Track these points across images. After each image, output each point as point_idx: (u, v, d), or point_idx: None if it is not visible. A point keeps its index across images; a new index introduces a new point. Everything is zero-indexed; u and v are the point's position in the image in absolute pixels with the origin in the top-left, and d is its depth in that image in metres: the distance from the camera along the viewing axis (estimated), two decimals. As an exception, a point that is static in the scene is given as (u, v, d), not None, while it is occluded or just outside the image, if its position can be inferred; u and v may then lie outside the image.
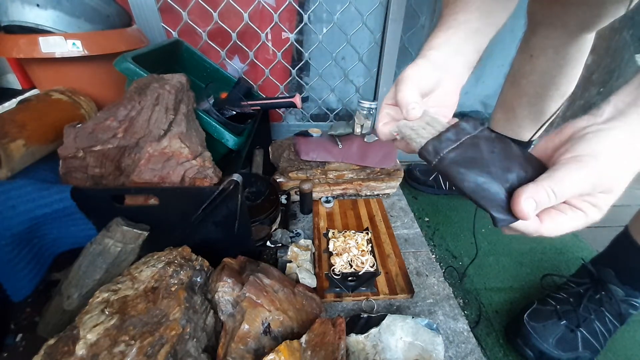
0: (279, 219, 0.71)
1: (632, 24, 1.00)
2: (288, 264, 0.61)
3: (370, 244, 0.69)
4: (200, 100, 0.63)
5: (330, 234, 0.72)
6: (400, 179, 0.87)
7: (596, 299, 0.55)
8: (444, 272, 0.68)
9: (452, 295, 0.62)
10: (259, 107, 0.75)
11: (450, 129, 0.30)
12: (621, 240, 0.56)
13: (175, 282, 0.44)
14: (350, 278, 0.61)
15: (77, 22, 0.59)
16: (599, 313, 0.54)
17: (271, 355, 0.38)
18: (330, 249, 0.68)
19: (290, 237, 0.70)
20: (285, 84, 1.02)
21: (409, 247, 0.73)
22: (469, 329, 0.56)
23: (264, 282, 0.48)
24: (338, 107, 1.11)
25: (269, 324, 0.44)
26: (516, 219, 0.27)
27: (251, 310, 0.44)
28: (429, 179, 0.95)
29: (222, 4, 0.85)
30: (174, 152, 0.48)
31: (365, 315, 0.52)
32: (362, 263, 0.64)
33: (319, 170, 0.82)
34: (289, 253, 0.64)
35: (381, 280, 0.62)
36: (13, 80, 0.81)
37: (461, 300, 0.63)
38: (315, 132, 0.91)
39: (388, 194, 0.90)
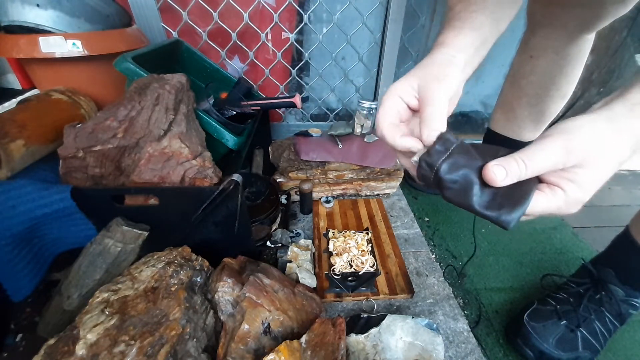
0: (279, 219, 0.71)
1: (632, 24, 1.00)
2: (288, 264, 0.61)
3: (370, 244, 0.69)
4: (200, 100, 0.63)
5: (330, 234, 0.72)
6: (400, 179, 0.87)
7: (596, 299, 0.55)
8: (444, 272, 0.68)
9: (452, 295, 0.62)
10: (259, 107, 0.75)
11: (436, 142, 0.29)
12: (621, 240, 0.56)
13: (175, 282, 0.44)
14: (350, 278, 0.61)
15: (77, 22, 0.59)
16: (599, 313, 0.54)
17: (271, 355, 0.38)
18: (330, 249, 0.68)
19: (290, 237, 0.70)
20: (285, 84, 1.02)
21: (409, 247, 0.73)
22: (469, 329, 0.56)
23: (264, 282, 0.48)
24: (338, 107, 1.11)
25: (269, 324, 0.44)
26: (520, 212, 0.28)
27: (251, 310, 0.44)
28: (429, 179, 0.95)
29: (222, 4, 0.85)
30: (174, 152, 0.48)
31: (365, 315, 0.52)
32: (362, 263, 0.64)
33: (319, 170, 0.82)
34: (289, 253, 0.64)
35: (381, 280, 0.62)
36: (13, 80, 0.81)
37: (461, 300, 0.63)
38: (315, 132, 0.91)
39: (388, 194, 0.90)
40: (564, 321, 0.53)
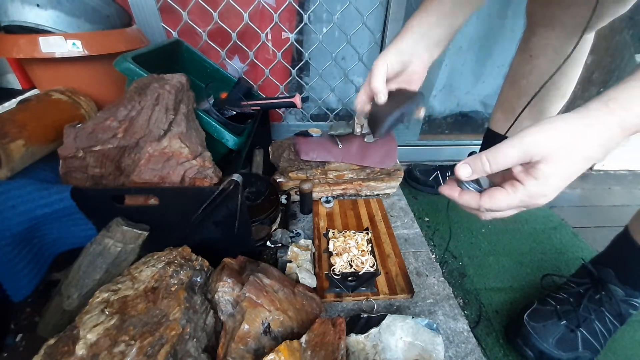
0: (279, 219, 0.71)
1: (632, 24, 1.00)
2: (288, 264, 0.61)
3: (370, 244, 0.69)
4: (200, 100, 0.63)
5: (330, 234, 0.72)
6: (400, 179, 0.87)
7: (596, 299, 0.55)
8: (444, 272, 0.68)
9: (452, 295, 0.62)
10: (259, 107, 0.75)
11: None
12: (621, 240, 0.56)
13: (175, 282, 0.44)
14: (350, 278, 0.61)
15: (77, 22, 0.59)
16: (599, 313, 0.54)
17: (271, 355, 0.38)
18: (330, 249, 0.68)
19: (290, 237, 0.70)
20: (285, 84, 1.02)
21: (409, 247, 0.73)
22: (469, 329, 0.56)
23: (264, 282, 0.48)
24: (338, 107, 1.11)
25: (269, 324, 0.44)
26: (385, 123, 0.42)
27: (251, 310, 0.44)
28: (429, 179, 0.95)
29: (222, 4, 0.85)
30: (174, 152, 0.48)
31: (365, 315, 0.52)
32: (362, 263, 0.64)
33: (319, 170, 0.82)
34: (289, 253, 0.64)
35: (381, 280, 0.62)
36: (13, 80, 0.81)
37: (461, 300, 0.63)
38: (315, 132, 0.91)
39: (388, 194, 0.90)
40: (564, 321, 0.53)
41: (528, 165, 0.30)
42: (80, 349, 0.35)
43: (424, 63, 0.48)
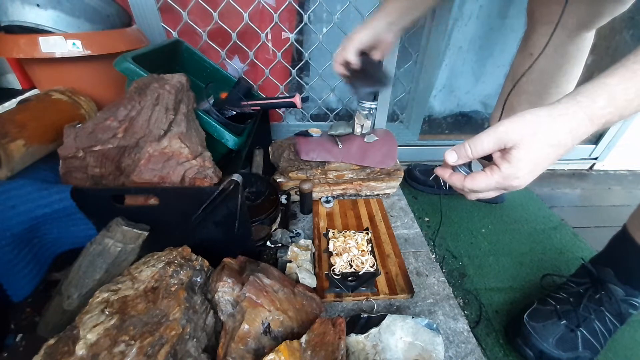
0: (279, 219, 0.71)
1: (632, 24, 1.00)
2: (288, 264, 0.61)
3: (370, 244, 0.69)
4: (200, 100, 0.63)
5: (330, 234, 0.72)
6: (400, 179, 0.87)
7: (596, 299, 0.55)
8: (444, 272, 0.68)
9: (452, 295, 0.62)
10: (259, 107, 0.75)
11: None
12: (620, 239, 0.56)
13: (175, 282, 0.44)
14: (350, 278, 0.61)
15: (77, 22, 0.59)
16: (599, 313, 0.54)
17: (271, 355, 0.38)
18: (330, 249, 0.68)
19: (290, 237, 0.70)
20: (285, 84, 1.02)
21: (409, 247, 0.73)
22: (469, 329, 0.56)
23: (264, 282, 0.48)
24: (338, 107, 1.11)
25: (269, 324, 0.44)
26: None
27: (251, 310, 0.44)
28: (429, 179, 0.95)
29: (222, 4, 0.85)
30: (174, 152, 0.48)
31: (365, 315, 0.52)
32: (362, 263, 0.64)
33: (319, 170, 0.82)
34: (289, 253, 0.64)
35: (381, 280, 0.62)
36: (13, 80, 0.81)
37: (461, 300, 0.63)
38: (315, 132, 0.91)
39: (388, 194, 0.90)
40: (564, 321, 0.53)
41: (504, 152, 0.35)
42: (80, 349, 0.35)
43: (390, 44, 0.63)
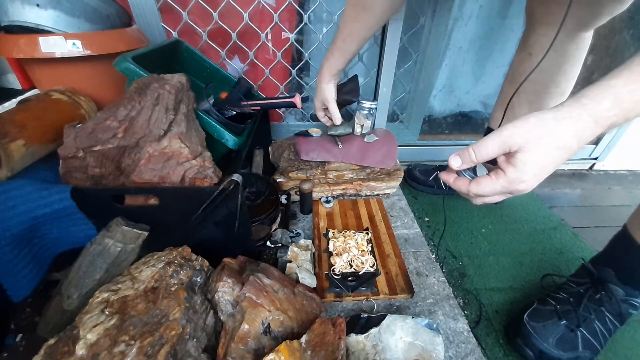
0: (279, 219, 0.71)
1: (632, 24, 1.00)
2: (288, 264, 0.61)
3: (370, 244, 0.69)
4: (200, 100, 0.63)
5: (330, 234, 0.72)
6: (400, 179, 0.87)
7: (596, 299, 0.55)
8: (444, 272, 0.68)
9: (452, 295, 0.62)
10: (259, 107, 0.75)
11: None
12: (620, 239, 0.56)
13: (175, 282, 0.44)
14: (350, 278, 0.61)
15: (77, 22, 0.59)
16: (599, 313, 0.54)
17: (271, 355, 0.38)
18: (330, 249, 0.68)
19: (290, 237, 0.70)
20: (285, 84, 1.02)
21: (409, 247, 0.73)
22: (469, 329, 0.56)
23: (264, 282, 0.48)
24: (338, 107, 1.11)
25: (269, 324, 0.44)
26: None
27: (251, 310, 0.44)
28: (429, 179, 0.95)
29: (222, 4, 0.85)
30: (174, 152, 0.48)
31: (365, 315, 0.52)
32: (362, 263, 0.64)
33: (319, 170, 0.82)
34: (289, 253, 0.64)
35: (381, 280, 0.62)
36: (13, 80, 0.81)
37: (461, 300, 0.63)
38: (315, 132, 0.91)
39: (388, 194, 0.90)
40: (564, 321, 0.53)
41: (508, 155, 0.35)
42: (80, 349, 0.35)
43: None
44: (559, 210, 0.93)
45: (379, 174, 0.85)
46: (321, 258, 0.66)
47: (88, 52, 0.59)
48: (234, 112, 0.71)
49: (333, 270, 0.63)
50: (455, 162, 0.38)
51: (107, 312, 0.39)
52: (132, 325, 0.38)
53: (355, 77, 0.81)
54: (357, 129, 0.90)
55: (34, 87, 0.78)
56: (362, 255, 0.66)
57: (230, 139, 0.61)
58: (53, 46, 0.57)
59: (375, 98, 1.05)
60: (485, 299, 0.64)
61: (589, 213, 0.94)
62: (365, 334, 0.49)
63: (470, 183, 0.37)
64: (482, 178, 0.36)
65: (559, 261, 0.74)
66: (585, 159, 1.19)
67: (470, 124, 1.24)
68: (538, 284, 0.66)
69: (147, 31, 0.81)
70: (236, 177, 0.49)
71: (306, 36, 0.99)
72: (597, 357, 0.53)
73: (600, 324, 0.53)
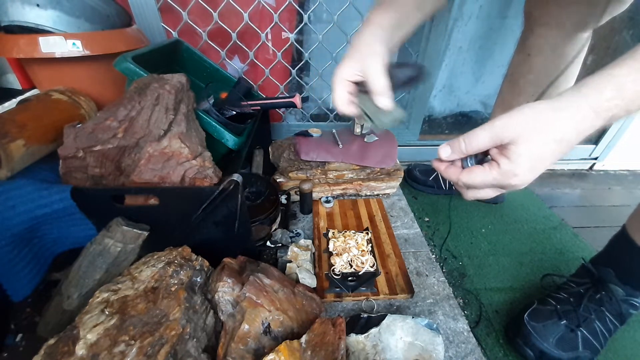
0: (279, 219, 0.71)
1: (632, 24, 1.00)
2: (288, 264, 0.61)
3: (370, 244, 0.69)
4: (200, 100, 0.63)
5: (330, 234, 0.72)
6: (400, 179, 0.87)
7: (596, 299, 0.55)
8: (444, 272, 0.68)
9: (452, 295, 0.62)
10: (259, 107, 0.75)
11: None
12: (619, 239, 0.56)
13: (175, 282, 0.44)
14: (350, 278, 0.61)
15: (77, 22, 0.59)
16: (599, 313, 0.54)
17: (271, 355, 0.38)
18: (330, 249, 0.68)
19: (290, 237, 0.70)
20: (285, 84, 1.02)
21: (409, 247, 0.73)
22: (469, 329, 0.56)
23: (264, 282, 0.48)
24: (338, 107, 1.11)
25: (269, 324, 0.44)
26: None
27: (251, 310, 0.44)
28: (429, 179, 0.95)
29: (222, 4, 0.85)
30: (174, 152, 0.48)
31: (365, 315, 0.52)
32: (362, 263, 0.64)
33: (319, 170, 0.82)
34: (289, 253, 0.64)
35: (381, 280, 0.62)
36: (13, 80, 0.81)
37: (461, 300, 0.63)
38: (315, 132, 0.91)
39: (388, 194, 0.90)
40: (564, 321, 0.53)
41: (502, 147, 0.33)
42: (80, 349, 0.35)
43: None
44: (559, 210, 0.93)
45: (379, 174, 0.85)
46: (321, 258, 0.66)
47: (88, 52, 0.59)
48: (234, 112, 0.71)
49: (333, 270, 0.63)
50: (444, 152, 0.36)
51: (107, 312, 0.39)
52: (132, 325, 0.38)
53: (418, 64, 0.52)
54: (357, 129, 0.90)
55: (34, 87, 0.78)
56: (362, 255, 0.66)
57: (230, 139, 0.61)
58: (53, 46, 0.57)
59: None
60: (485, 299, 0.64)
61: (589, 213, 0.94)
62: (365, 334, 0.49)
63: (462, 172, 0.36)
64: (474, 168, 0.35)
65: (559, 261, 0.74)
66: (585, 159, 1.19)
67: (470, 124, 1.24)
68: (538, 284, 0.66)
69: (147, 31, 0.81)
70: (236, 177, 0.49)
71: (306, 36, 0.99)
72: (597, 357, 0.53)
73: (601, 323, 0.53)
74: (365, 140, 0.87)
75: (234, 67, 0.98)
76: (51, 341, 0.37)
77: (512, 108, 0.33)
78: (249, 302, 0.45)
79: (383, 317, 0.51)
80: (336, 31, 0.94)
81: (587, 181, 1.11)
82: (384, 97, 0.41)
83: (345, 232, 0.73)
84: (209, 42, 0.90)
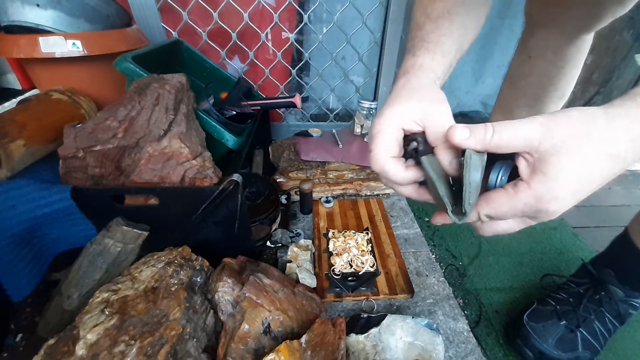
0: (279, 219, 0.71)
1: (632, 24, 1.00)
2: (288, 264, 0.61)
3: (370, 244, 0.69)
4: (200, 100, 0.63)
5: (330, 234, 0.72)
6: (400, 179, 0.87)
7: (596, 299, 0.55)
8: (444, 272, 0.68)
9: (452, 295, 0.62)
10: (259, 107, 0.76)
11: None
12: (621, 242, 0.56)
13: (175, 282, 0.44)
14: (350, 278, 0.61)
15: (77, 22, 0.59)
16: (598, 313, 0.54)
17: (271, 355, 0.38)
18: (330, 249, 0.68)
19: (290, 237, 0.70)
20: (285, 84, 1.02)
21: (409, 247, 0.73)
22: (469, 329, 0.56)
23: (264, 282, 0.48)
24: (338, 107, 1.11)
25: (269, 324, 0.44)
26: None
27: (251, 310, 0.44)
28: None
29: (222, 4, 0.85)
30: (174, 152, 0.48)
31: (365, 315, 0.52)
32: (362, 263, 0.64)
33: (319, 170, 0.82)
34: (289, 253, 0.64)
35: (381, 280, 0.62)
36: (13, 80, 0.81)
37: (461, 300, 0.63)
38: (315, 132, 0.91)
39: (388, 194, 0.90)
40: (564, 321, 0.53)
41: (534, 159, 0.24)
42: (80, 349, 0.35)
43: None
44: (559, 210, 0.93)
45: (379, 174, 0.84)
46: (321, 258, 0.66)
47: (88, 52, 0.59)
48: (234, 112, 0.71)
49: (333, 270, 0.63)
50: (460, 134, 0.25)
51: (107, 312, 0.39)
52: (132, 325, 0.38)
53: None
54: (357, 129, 0.90)
55: (34, 87, 0.78)
56: (362, 255, 0.66)
57: (230, 139, 0.61)
58: (53, 46, 0.57)
59: (375, 98, 1.05)
60: (485, 299, 0.64)
61: (588, 213, 0.94)
62: (365, 334, 0.49)
63: (478, 201, 0.26)
64: (493, 193, 0.26)
65: (559, 261, 0.74)
66: (585, 159, 1.18)
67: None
68: (538, 284, 0.66)
69: (147, 31, 0.81)
70: (236, 177, 0.49)
71: (306, 36, 0.99)
72: (596, 357, 0.53)
73: (600, 324, 0.53)
74: (365, 140, 0.87)
75: (234, 67, 0.98)
76: (51, 341, 0.37)
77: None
78: (249, 302, 0.45)
79: (383, 317, 0.51)
80: (336, 31, 0.94)
81: (587, 181, 1.11)
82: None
83: (345, 232, 0.73)
84: (209, 42, 0.91)
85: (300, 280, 0.58)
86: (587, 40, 0.66)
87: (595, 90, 1.12)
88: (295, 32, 0.93)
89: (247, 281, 0.47)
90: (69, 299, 0.45)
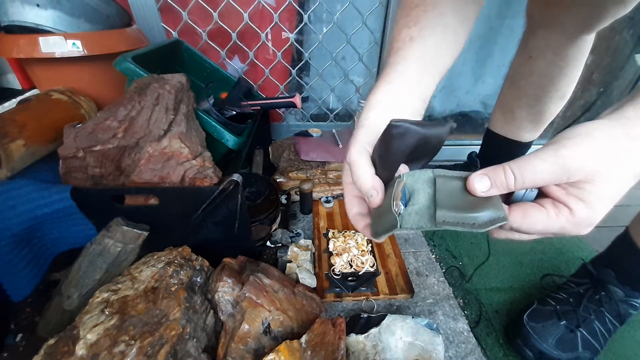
0: (279, 219, 0.71)
1: (632, 24, 1.00)
2: (288, 264, 0.61)
3: (370, 244, 0.69)
4: (200, 100, 0.63)
5: (330, 234, 0.72)
6: (400, 179, 0.87)
7: (596, 299, 0.54)
8: (444, 272, 0.68)
9: (452, 295, 0.62)
10: (259, 107, 0.76)
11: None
12: (621, 241, 0.56)
13: (175, 282, 0.44)
14: (350, 278, 0.61)
15: (77, 22, 0.59)
16: (598, 313, 0.54)
17: (271, 355, 0.38)
18: (330, 249, 0.68)
19: (290, 237, 0.70)
20: (285, 84, 1.02)
21: (409, 247, 0.73)
22: (469, 329, 0.56)
23: (264, 282, 0.48)
24: (338, 107, 1.11)
25: (269, 324, 0.44)
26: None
27: (251, 310, 0.44)
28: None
29: (222, 4, 0.85)
30: (174, 152, 0.48)
31: (365, 315, 0.52)
32: (362, 263, 0.64)
33: (319, 170, 0.82)
34: (289, 253, 0.64)
35: (381, 280, 0.62)
36: (13, 80, 0.81)
37: (461, 300, 0.63)
38: (315, 132, 0.91)
39: (388, 194, 0.90)
40: (564, 321, 0.53)
41: (568, 185, 0.24)
42: (80, 349, 0.35)
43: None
44: (559, 211, 0.93)
45: (379, 174, 0.84)
46: (321, 258, 0.66)
47: (88, 52, 0.59)
48: (234, 112, 0.71)
49: (333, 270, 0.63)
50: (481, 186, 0.24)
51: (107, 312, 0.39)
52: (132, 325, 0.38)
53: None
54: (357, 129, 0.90)
55: (34, 87, 0.78)
56: (362, 255, 0.66)
57: (230, 139, 0.61)
58: (53, 46, 0.57)
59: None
60: (485, 299, 0.64)
61: (589, 213, 0.94)
62: (365, 334, 0.49)
63: (512, 210, 0.25)
64: (531, 208, 0.25)
65: (559, 261, 0.74)
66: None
67: (470, 124, 1.24)
68: (538, 284, 0.66)
69: (147, 31, 0.81)
70: (236, 177, 0.49)
71: (306, 36, 0.99)
72: (596, 357, 0.53)
73: (600, 324, 0.53)
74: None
75: (234, 67, 0.98)
76: (51, 341, 0.37)
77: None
78: (249, 302, 0.45)
79: (383, 317, 0.51)
80: (336, 31, 0.94)
81: (587, 181, 1.11)
82: (367, 197, 0.29)
83: (345, 232, 0.73)
84: (209, 42, 0.91)
85: (300, 280, 0.58)
86: (589, 41, 0.66)
87: (596, 91, 1.12)
88: (295, 32, 0.93)
89: (247, 281, 0.47)
90: (69, 299, 0.45)
